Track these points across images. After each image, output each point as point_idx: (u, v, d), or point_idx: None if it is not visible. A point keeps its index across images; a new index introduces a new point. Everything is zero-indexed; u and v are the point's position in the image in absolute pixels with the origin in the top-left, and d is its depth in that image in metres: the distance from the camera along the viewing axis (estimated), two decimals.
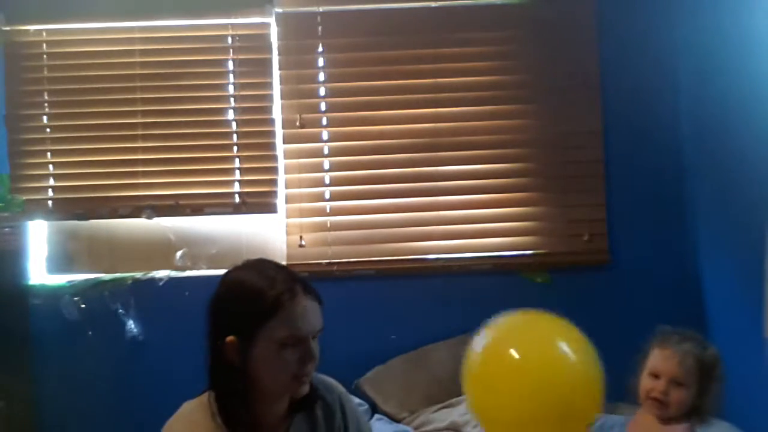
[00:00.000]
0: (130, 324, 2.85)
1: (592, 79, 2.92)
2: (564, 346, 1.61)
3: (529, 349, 1.61)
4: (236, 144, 2.96)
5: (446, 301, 2.89)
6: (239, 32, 2.96)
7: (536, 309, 2.83)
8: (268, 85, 2.97)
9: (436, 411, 2.65)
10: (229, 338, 1.29)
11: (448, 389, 2.66)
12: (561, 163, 2.94)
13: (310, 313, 1.31)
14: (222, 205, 2.95)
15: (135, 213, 2.93)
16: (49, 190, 2.95)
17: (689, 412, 1.68)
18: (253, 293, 1.29)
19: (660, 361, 1.71)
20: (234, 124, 2.96)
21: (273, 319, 1.27)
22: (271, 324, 1.27)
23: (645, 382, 1.73)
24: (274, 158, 2.96)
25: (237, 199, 2.95)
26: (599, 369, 1.58)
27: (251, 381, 1.31)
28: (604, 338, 2.83)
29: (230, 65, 2.97)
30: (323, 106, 2.97)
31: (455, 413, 2.60)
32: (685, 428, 1.68)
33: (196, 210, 2.94)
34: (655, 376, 1.71)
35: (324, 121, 2.97)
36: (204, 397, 1.36)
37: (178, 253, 2.93)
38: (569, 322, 1.67)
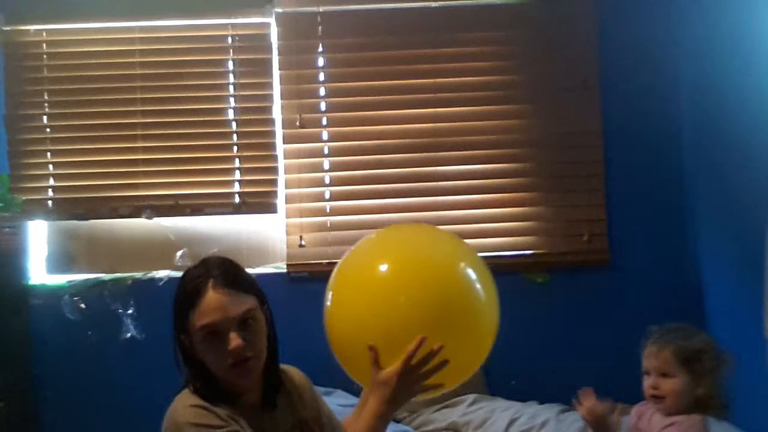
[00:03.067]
0: (130, 324, 2.84)
1: (592, 79, 2.92)
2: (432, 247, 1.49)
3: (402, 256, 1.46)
4: (236, 144, 2.97)
5: None
6: (239, 32, 2.96)
7: (535, 309, 2.82)
8: (268, 85, 2.97)
9: (436, 411, 2.65)
10: (182, 335, 1.38)
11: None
12: (561, 163, 2.94)
13: (219, 304, 1.34)
14: (222, 205, 2.95)
15: (135, 213, 2.93)
16: (49, 190, 2.95)
17: (697, 403, 1.68)
18: (178, 292, 1.40)
19: (645, 359, 1.75)
20: (234, 124, 2.97)
21: (191, 313, 1.35)
22: (191, 318, 1.35)
23: (644, 383, 1.75)
24: (274, 158, 2.96)
25: (237, 199, 2.95)
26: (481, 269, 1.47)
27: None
28: (603, 338, 2.84)
29: (230, 65, 2.97)
30: (323, 106, 2.98)
31: (455, 413, 2.60)
32: (697, 420, 1.67)
33: (196, 210, 2.94)
34: (647, 374, 1.73)
35: (324, 121, 2.97)
36: (185, 391, 1.40)
37: (178, 253, 2.92)
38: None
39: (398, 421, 2.65)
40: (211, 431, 1.29)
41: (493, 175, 2.95)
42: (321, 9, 2.95)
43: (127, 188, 2.94)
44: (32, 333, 2.82)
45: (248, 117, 2.97)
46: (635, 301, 2.83)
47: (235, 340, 1.32)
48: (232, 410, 1.34)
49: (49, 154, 2.95)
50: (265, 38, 2.98)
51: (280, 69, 2.96)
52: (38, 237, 2.96)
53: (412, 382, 1.36)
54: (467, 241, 2.88)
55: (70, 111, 2.95)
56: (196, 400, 1.34)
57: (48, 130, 2.96)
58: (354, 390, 2.77)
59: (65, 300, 2.86)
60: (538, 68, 2.95)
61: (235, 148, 2.97)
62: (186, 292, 1.37)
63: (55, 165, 2.95)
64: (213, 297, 1.34)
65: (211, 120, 2.96)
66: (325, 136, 2.97)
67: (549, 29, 2.94)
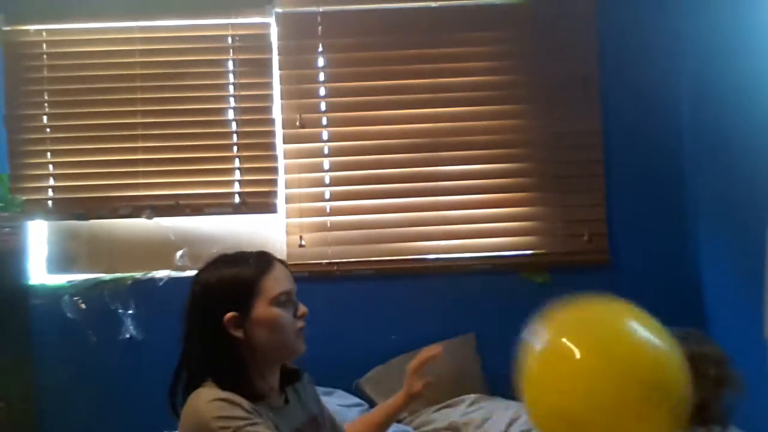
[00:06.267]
0: (130, 324, 2.84)
1: (592, 79, 2.92)
2: (635, 327, 1.50)
3: (597, 337, 1.49)
4: (236, 144, 2.97)
5: (446, 301, 2.89)
6: (239, 32, 2.96)
7: (535, 309, 2.80)
8: (268, 85, 2.97)
9: (436, 411, 2.65)
10: (229, 314, 1.38)
11: (448, 389, 2.66)
12: (561, 163, 2.94)
13: (288, 274, 1.48)
14: (222, 205, 2.95)
15: (135, 213, 2.93)
16: (49, 190, 2.95)
17: (696, 411, 1.67)
18: (234, 275, 1.43)
19: None
20: (234, 124, 2.97)
21: (262, 283, 1.41)
22: (261, 288, 1.40)
23: None
24: (274, 158, 2.96)
25: (237, 199, 2.95)
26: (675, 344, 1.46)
27: (253, 352, 1.40)
28: None
29: (230, 65, 2.97)
30: (323, 106, 2.98)
31: (455, 413, 2.60)
32: None
33: (196, 210, 2.94)
34: None
35: (324, 121, 2.97)
36: (203, 388, 1.38)
37: (178, 253, 2.93)
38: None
39: (398, 421, 2.64)
40: (238, 422, 1.29)
41: (493, 175, 2.95)
42: (321, 9, 2.95)
43: (127, 188, 2.94)
44: (32, 333, 2.82)
45: (248, 117, 2.96)
46: (635, 301, 2.82)
47: (303, 306, 1.46)
48: (253, 405, 1.35)
49: (49, 154, 2.95)
50: (265, 38, 2.98)
51: (280, 69, 2.96)
52: (38, 237, 2.96)
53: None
54: (467, 241, 2.92)
55: (70, 111, 2.95)
56: (218, 393, 1.34)
57: (48, 130, 2.96)
58: (354, 390, 2.77)
59: (65, 300, 2.86)
60: (538, 68, 2.94)
61: (235, 148, 2.97)
62: (248, 271, 1.42)
63: (55, 165, 2.95)
64: (282, 268, 1.46)
65: (211, 120, 2.96)
66: (325, 136, 2.97)
67: (549, 29, 2.94)
